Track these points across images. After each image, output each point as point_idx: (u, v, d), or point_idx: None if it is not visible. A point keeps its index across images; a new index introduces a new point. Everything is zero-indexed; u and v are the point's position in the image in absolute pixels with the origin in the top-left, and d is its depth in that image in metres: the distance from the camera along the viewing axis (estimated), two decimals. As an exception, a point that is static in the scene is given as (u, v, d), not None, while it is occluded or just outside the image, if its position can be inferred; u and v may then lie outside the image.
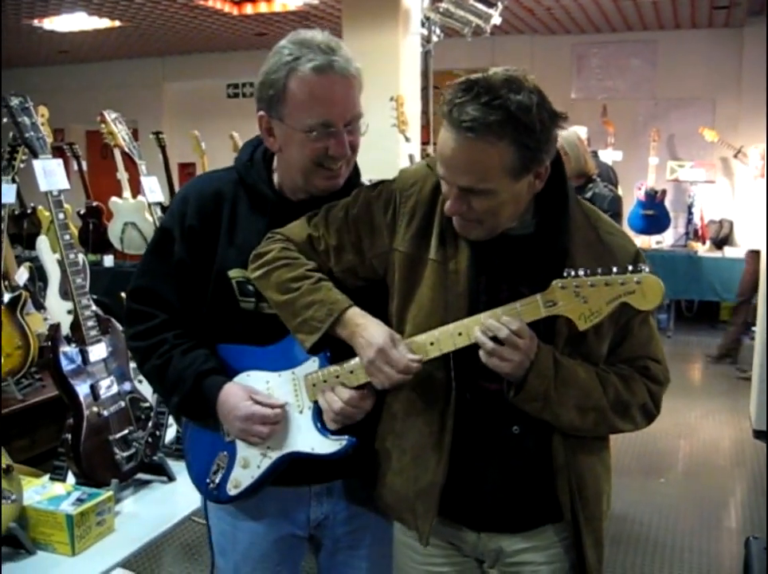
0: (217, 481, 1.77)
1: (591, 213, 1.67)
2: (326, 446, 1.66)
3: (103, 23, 8.83)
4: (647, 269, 1.45)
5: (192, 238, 1.78)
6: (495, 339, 1.48)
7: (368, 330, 1.57)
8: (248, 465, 1.74)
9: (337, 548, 1.91)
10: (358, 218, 1.69)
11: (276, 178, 1.82)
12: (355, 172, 1.84)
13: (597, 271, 1.45)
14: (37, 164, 2.42)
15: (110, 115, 3.16)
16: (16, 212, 6.25)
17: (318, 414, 1.67)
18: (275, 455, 1.72)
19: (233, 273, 1.76)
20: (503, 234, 1.59)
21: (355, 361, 1.62)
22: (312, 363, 1.69)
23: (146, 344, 1.79)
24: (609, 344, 1.63)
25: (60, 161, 2.49)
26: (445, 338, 1.54)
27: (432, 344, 1.55)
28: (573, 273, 1.46)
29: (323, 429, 1.67)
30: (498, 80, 1.44)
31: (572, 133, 4.39)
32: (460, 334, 1.53)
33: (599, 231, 1.64)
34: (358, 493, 1.84)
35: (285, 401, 1.70)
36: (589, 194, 4.33)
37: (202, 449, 1.82)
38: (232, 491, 1.76)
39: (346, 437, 1.65)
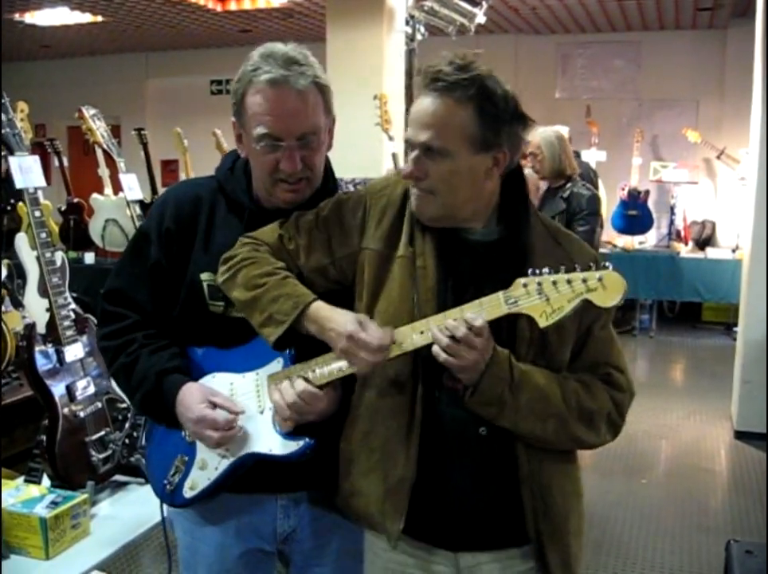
0: (174, 483, 1.75)
1: (550, 224, 1.72)
2: (283, 447, 1.65)
3: (86, 18, 8.77)
4: (610, 267, 1.44)
5: (168, 241, 1.78)
6: (452, 337, 1.47)
7: (334, 320, 1.57)
8: (206, 467, 1.73)
9: (307, 564, 1.88)
10: (328, 218, 1.71)
11: (254, 187, 1.82)
12: (333, 180, 1.86)
13: (561, 269, 1.45)
14: (13, 161, 2.39)
15: (88, 112, 3.11)
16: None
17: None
18: (233, 456, 1.70)
19: (205, 276, 1.76)
20: (467, 240, 1.62)
21: (317, 361, 1.61)
22: (276, 364, 1.68)
23: (116, 343, 1.79)
24: (571, 350, 1.63)
25: (36, 158, 2.45)
26: (406, 337, 1.54)
27: (393, 343, 1.54)
28: (537, 271, 1.46)
29: (282, 430, 1.65)
30: (478, 63, 1.54)
31: (551, 131, 4.38)
32: (422, 332, 1.52)
33: (559, 239, 1.68)
34: (326, 505, 1.81)
35: (242, 410, 1.69)
36: (567, 194, 4.32)
37: (163, 451, 1.80)
38: (188, 493, 1.74)
39: (305, 438, 1.63)
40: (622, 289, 1.42)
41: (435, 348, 1.49)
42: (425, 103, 1.54)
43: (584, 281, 1.43)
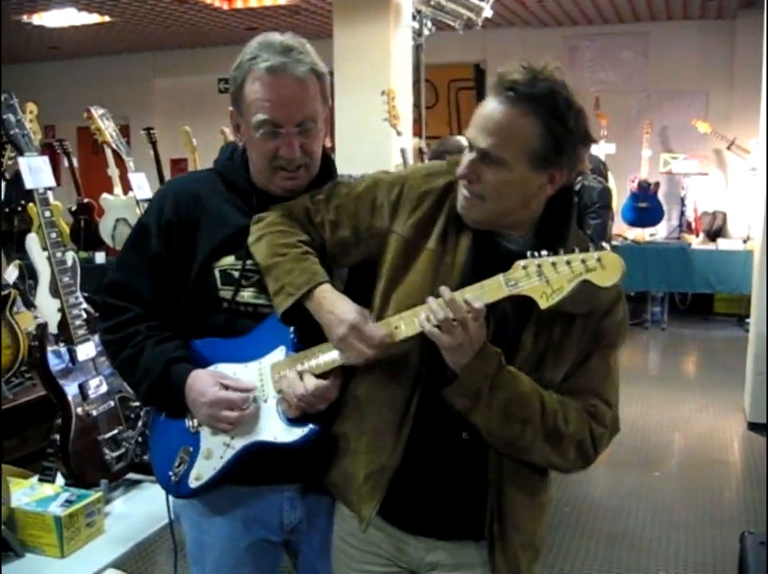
0: (180, 474, 1.76)
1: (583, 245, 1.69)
2: (288, 434, 1.65)
3: (93, 18, 8.79)
4: (608, 248, 1.45)
5: (169, 233, 1.78)
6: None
7: (337, 307, 1.58)
8: (211, 456, 1.73)
9: (314, 557, 1.89)
10: (361, 194, 1.70)
11: (251, 175, 1.83)
12: (333, 168, 1.86)
13: (560, 251, 1.45)
14: (22, 162, 2.40)
15: (97, 112, 3.13)
16: (7, 209, 6.21)
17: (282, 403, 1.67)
18: (238, 445, 1.71)
19: (218, 263, 1.76)
20: (501, 247, 1.60)
21: (321, 348, 1.62)
22: (279, 353, 1.68)
23: (120, 336, 1.79)
24: (564, 372, 1.62)
25: (46, 158, 2.47)
26: (410, 321, 1.54)
27: (396, 327, 1.55)
28: (536, 253, 1.46)
29: (287, 417, 1.66)
30: (558, 76, 1.51)
31: None
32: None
33: None
34: (332, 497, 1.81)
35: (254, 386, 1.69)
36: (578, 187, 4.31)
37: (167, 443, 1.81)
38: (193, 483, 1.75)
39: (309, 425, 1.64)
40: (620, 270, 1.42)
41: (422, 319, 1.49)
42: (493, 107, 1.50)
43: (583, 261, 1.43)
